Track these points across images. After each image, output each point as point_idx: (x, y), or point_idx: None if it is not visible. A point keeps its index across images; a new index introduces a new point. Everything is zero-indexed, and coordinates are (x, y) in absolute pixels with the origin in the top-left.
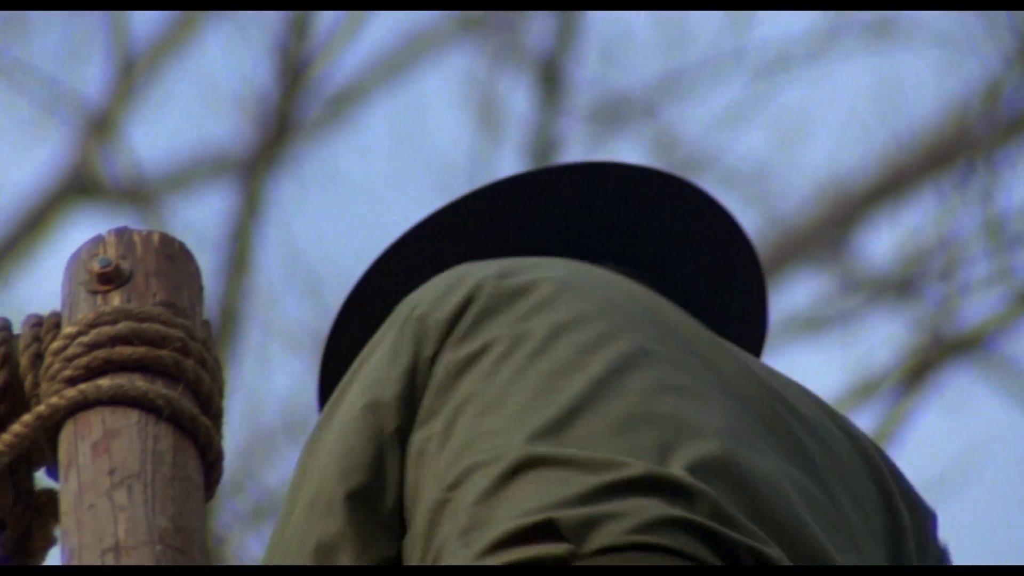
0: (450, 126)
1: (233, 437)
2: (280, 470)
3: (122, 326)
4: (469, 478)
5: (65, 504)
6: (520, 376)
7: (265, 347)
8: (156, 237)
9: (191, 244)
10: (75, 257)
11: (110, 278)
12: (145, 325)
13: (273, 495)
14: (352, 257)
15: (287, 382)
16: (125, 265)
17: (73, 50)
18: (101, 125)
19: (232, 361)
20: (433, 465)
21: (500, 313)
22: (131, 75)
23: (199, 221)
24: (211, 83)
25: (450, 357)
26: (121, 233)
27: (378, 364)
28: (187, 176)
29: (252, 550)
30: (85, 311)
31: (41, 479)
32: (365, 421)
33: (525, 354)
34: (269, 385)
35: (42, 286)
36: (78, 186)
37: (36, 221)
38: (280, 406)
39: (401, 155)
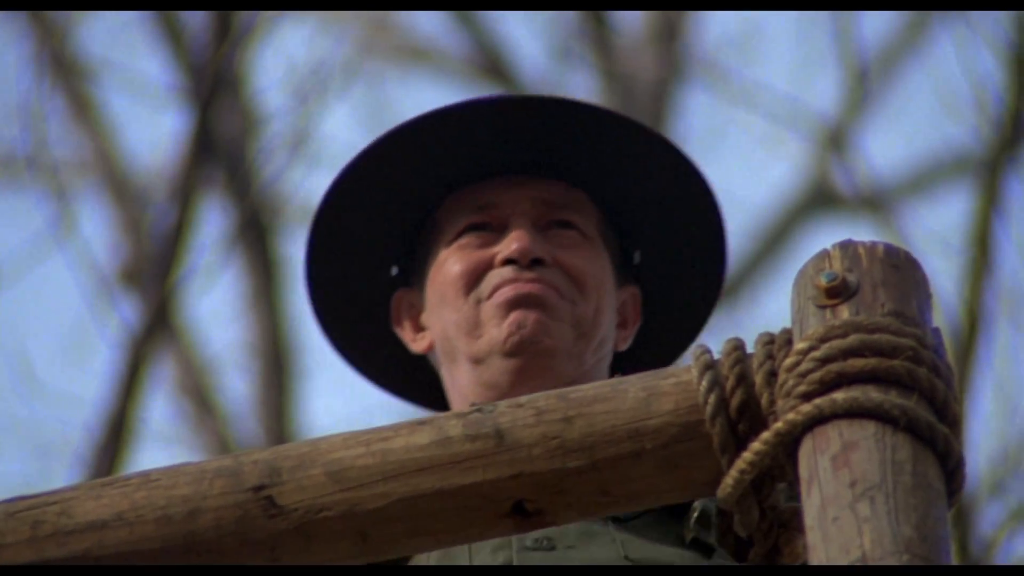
0: None
1: (991, 437)
2: None
3: (852, 339)
4: None
5: (809, 518)
6: None
7: (1015, 346)
8: (880, 248)
9: (932, 248)
10: (802, 273)
11: (837, 292)
12: (875, 336)
13: None
14: None
15: None
16: (851, 278)
17: (805, 64)
18: (836, 136)
19: (983, 362)
20: None
21: None
22: (863, 83)
23: (939, 225)
24: (944, 84)
25: None
26: (846, 246)
27: None
28: (924, 181)
29: (1017, 550)
30: (815, 326)
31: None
32: None
33: None
34: (1022, 383)
35: (784, 301)
36: (816, 199)
37: (777, 237)
38: None
39: None
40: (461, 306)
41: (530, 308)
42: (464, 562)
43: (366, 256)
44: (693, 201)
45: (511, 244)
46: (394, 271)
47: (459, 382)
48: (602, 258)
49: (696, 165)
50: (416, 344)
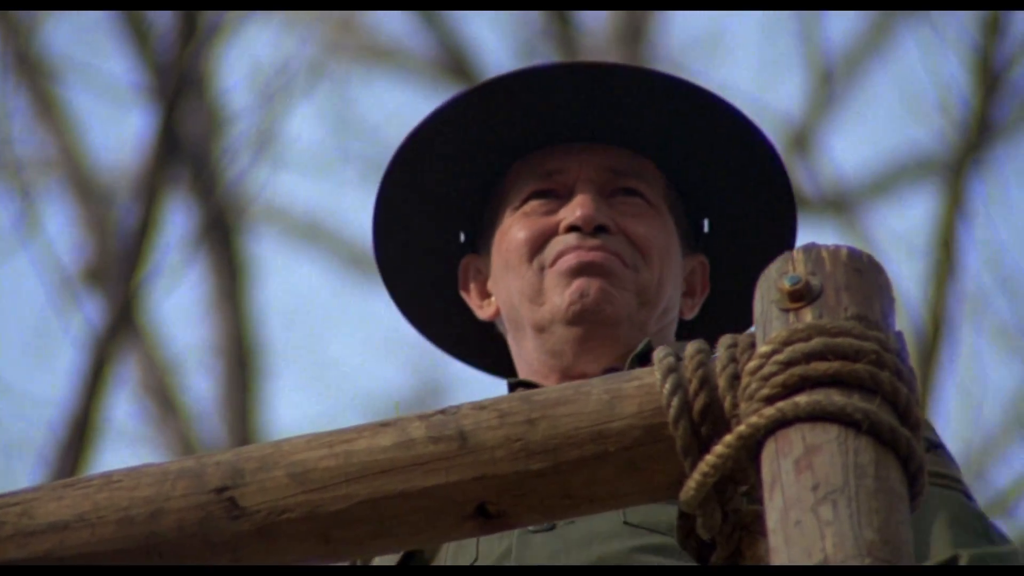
0: None
1: (954, 440)
2: (1005, 468)
3: (815, 342)
4: None
5: (772, 521)
6: None
7: (978, 348)
8: (844, 252)
9: (896, 250)
10: (765, 276)
11: (801, 295)
12: (838, 340)
13: (1001, 493)
14: None
15: (1003, 381)
16: (815, 281)
17: (770, 65)
18: (800, 137)
19: (946, 365)
20: None
21: None
22: (828, 85)
23: (903, 227)
24: (909, 86)
25: None
26: (809, 250)
27: None
28: (888, 183)
29: None
30: (778, 329)
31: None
32: None
33: None
34: (985, 386)
35: None
36: None
37: None
38: (999, 405)
39: None
40: (525, 273)
41: (593, 276)
42: (472, 548)
43: (434, 222)
44: (761, 170)
45: (575, 211)
46: (462, 237)
47: (524, 349)
48: (667, 226)
49: (765, 134)
50: (482, 311)
